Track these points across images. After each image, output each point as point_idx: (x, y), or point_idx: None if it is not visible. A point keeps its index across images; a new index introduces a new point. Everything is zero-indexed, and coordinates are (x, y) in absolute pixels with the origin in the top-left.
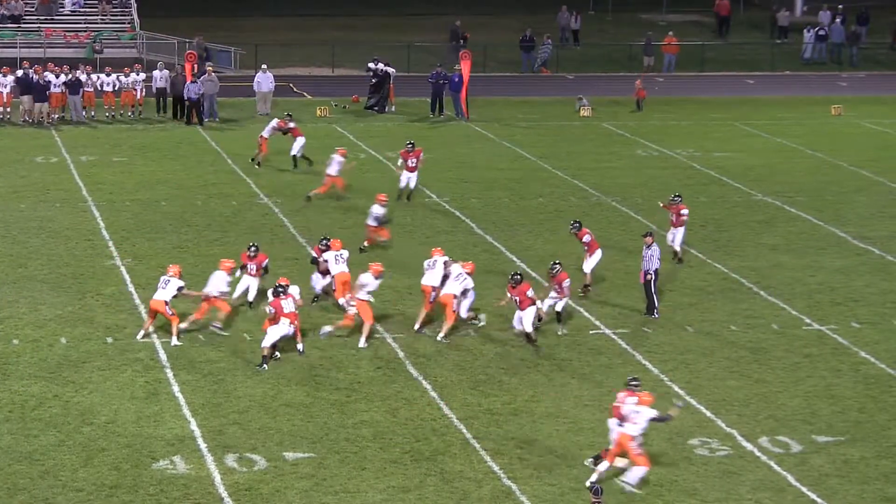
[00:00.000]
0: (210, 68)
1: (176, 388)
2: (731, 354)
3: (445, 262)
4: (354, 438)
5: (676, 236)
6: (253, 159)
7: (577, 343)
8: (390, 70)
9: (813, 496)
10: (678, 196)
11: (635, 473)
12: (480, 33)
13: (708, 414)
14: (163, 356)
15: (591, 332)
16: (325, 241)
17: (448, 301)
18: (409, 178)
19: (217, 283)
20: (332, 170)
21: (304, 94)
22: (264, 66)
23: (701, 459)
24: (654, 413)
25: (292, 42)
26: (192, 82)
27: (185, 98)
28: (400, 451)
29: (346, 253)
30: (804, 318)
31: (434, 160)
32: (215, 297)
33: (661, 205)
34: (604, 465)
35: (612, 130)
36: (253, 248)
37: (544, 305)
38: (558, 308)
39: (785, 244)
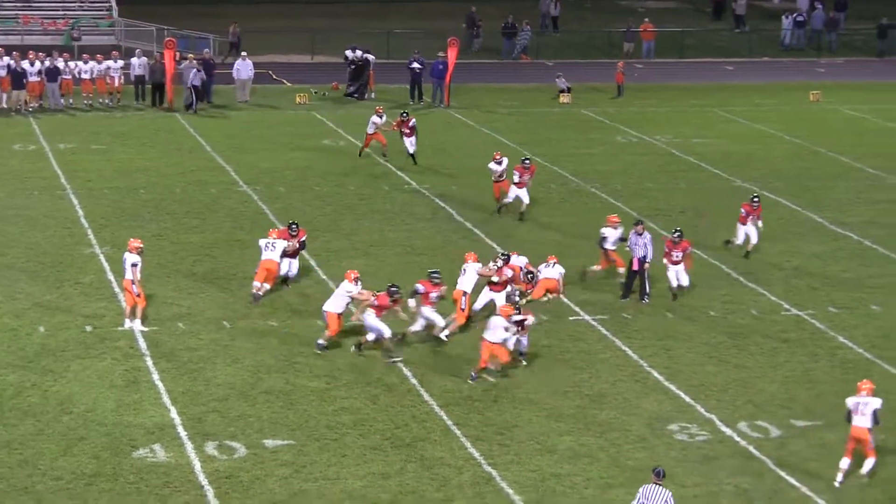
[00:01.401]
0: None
1: (156, 377)
2: (710, 340)
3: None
4: (334, 425)
5: (680, 275)
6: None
7: (556, 329)
8: (370, 57)
9: (791, 480)
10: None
11: None
12: (462, 20)
13: (687, 399)
14: (142, 344)
15: (570, 318)
16: (293, 225)
17: (457, 297)
18: (517, 194)
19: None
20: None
21: (284, 81)
22: (244, 54)
23: (680, 444)
24: None
25: (273, 29)
26: (195, 69)
27: (189, 85)
28: (380, 438)
29: (279, 243)
30: (782, 304)
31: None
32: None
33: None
34: None
35: (592, 117)
36: (294, 227)
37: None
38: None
39: (764, 230)
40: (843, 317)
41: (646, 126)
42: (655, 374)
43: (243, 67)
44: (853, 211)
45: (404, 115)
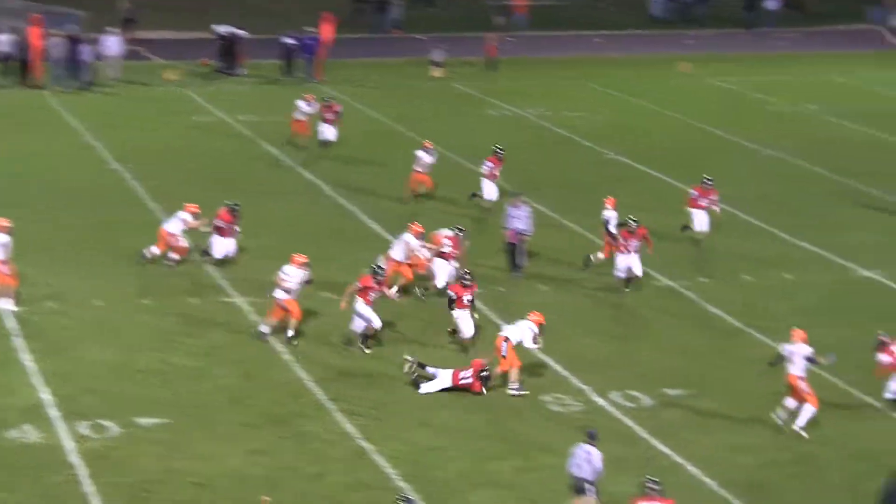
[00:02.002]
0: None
1: (26, 357)
2: (582, 313)
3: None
4: (209, 403)
5: (634, 264)
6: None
7: (432, 305)
8: (240, 33)
9: (664, 448)
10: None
11: None
12: None
13: (561, 370)
14: (13, 324)
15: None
16: (234, 205)
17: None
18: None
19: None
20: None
21: (153, 57)
22: (112, 30)
23: (555, 415)
24: None
25: (142, 4)
26: (85, 45)
27: (57, 62)
28: (255, 415)
29: (188, 216)
30: (656, 275)
31: (284, 124)
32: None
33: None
34: None
35: (464, 91)
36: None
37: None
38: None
39: (637, 202)
40: (715, 287)
41: (518, 99)
42: (527, 346)
43: (113, 44)
44: (725, 183)
45: (326, 101)
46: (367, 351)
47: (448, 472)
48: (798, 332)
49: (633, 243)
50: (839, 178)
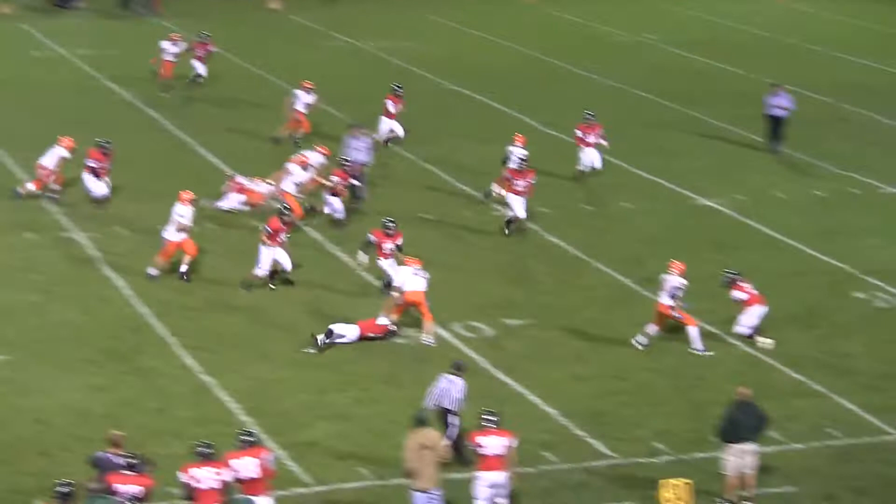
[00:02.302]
0: None
1: None
2: (426, 244)
3: None
4: (50, 339)
5: (519, 206)
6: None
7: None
8: None
9: (506, 379)
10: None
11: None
12: None
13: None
14: None
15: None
16: (105, 143)
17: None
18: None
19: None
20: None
21: None
22: None
23: (397, 347)
24: None
25: None
26: None
27: None
28: (96, 350)
29: (64, 151)
30: (495, 206)
31: (124, 58)
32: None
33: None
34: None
35: (303, 23)
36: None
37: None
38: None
39: (475, 133)
40: (554, 216)
41: (357, 31)
42: (369, 279)
43: None
44: (567, 114)
45: (203, 35)
46: (272, 287)
47: (289, 405)
48: (677, 265)
49: (520, 184)
50: (678, 106)
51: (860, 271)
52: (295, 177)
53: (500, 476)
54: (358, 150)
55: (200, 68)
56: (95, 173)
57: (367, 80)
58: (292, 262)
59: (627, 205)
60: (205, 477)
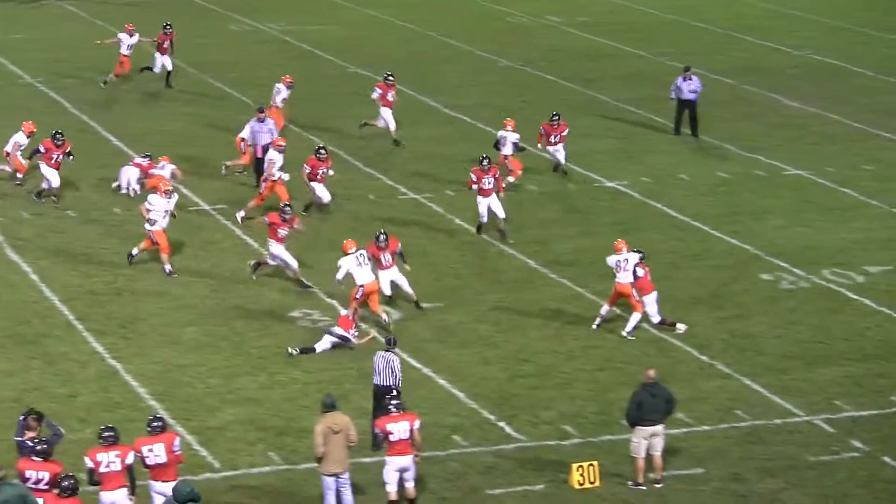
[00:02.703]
0: None
1: None
2: (331, 227)
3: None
4: None
5: (495, 205)
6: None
7: (180, 221)
8: None
9: (412, 361)
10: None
11: None
12: None
13: (313, 287)
14: None
15: (190, 208)
16: (57, 133)
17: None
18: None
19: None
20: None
21: None
22: None
23: (304, 331)
24: None
25: None
26: None
27: None
28: (3, 335)
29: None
30: (399, 188)
31: (26, 41)
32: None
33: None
34: None
35: (203, 5)
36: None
37: None
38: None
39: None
40: (460, 200)
41: (259, 14)
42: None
43: None
44: (465, 94)
45: (166, 27)
46: (254, 277)
47: (197, 390)
48: (621, 242)
49: (487, 181)
50: (580, 87)
51: (765, 253)
52: (276, 163)
53: (407, 460)
54: (261, 132)
55: (166, 61)
56: (49, 162)
57: (271, 63)
58: None
59: (532, 187)
60: (109, 461)
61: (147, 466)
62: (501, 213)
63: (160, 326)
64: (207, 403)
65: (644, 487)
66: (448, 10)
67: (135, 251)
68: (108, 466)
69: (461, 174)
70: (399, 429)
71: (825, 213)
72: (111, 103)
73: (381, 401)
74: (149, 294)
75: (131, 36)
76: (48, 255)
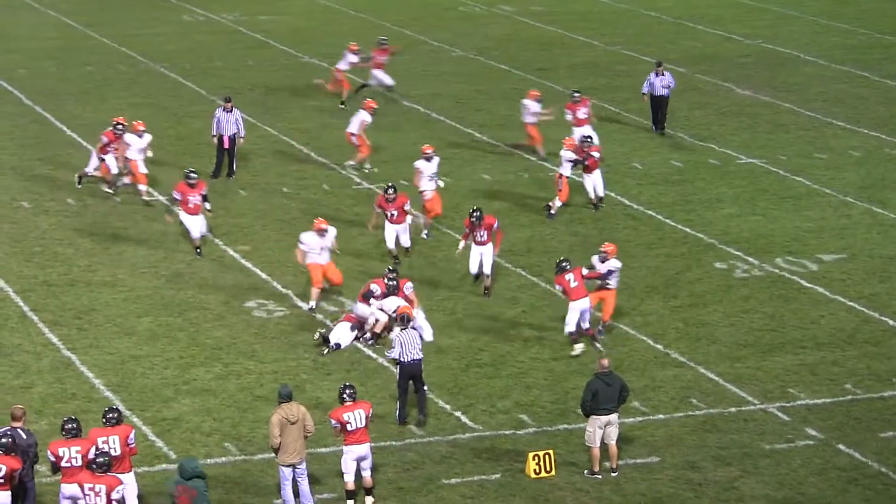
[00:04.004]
0: None
1: None
2: (284, 216)
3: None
4: None
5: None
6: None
7: (131, 212)
8: None
9: (367, 351)
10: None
11: None
12: None
13: (264, 276)
14: None
15: (147, 199)
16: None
17: None
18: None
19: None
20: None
21: None
22: None
23: (258, 321)
24: None
25: None
26: None
27: None
28: None
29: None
30: (354, 178)
31: None
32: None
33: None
34: None
35: None
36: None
37: None
38: None
39: (333, 105)
40: (414, 190)
41: (212, 4)
42: (231, 253)
43: None
44: (420, 84)
45: (382, 42)
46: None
47: (152, 380)
48: (611, 246)
49: (481, 235)
50: (533, 77)
51: (719, 241)
52: (424, 172)
53: (365, 448)
54: (227, 122)
55: (385, 78)
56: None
57: (225, 53)
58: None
59: (486, 177)
60: (70, 456)
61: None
62: (487, 269)
63: (115, 317)
64: (163, 394)
65: (600, 476)
66: (401, 0)
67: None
68: (69, 462)
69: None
70: (355, 417)
71: (778, 201)
72: (59, 94)
73: (411, 379)
74: (103, 285)
75: (355, 54)
76: (2, 245)
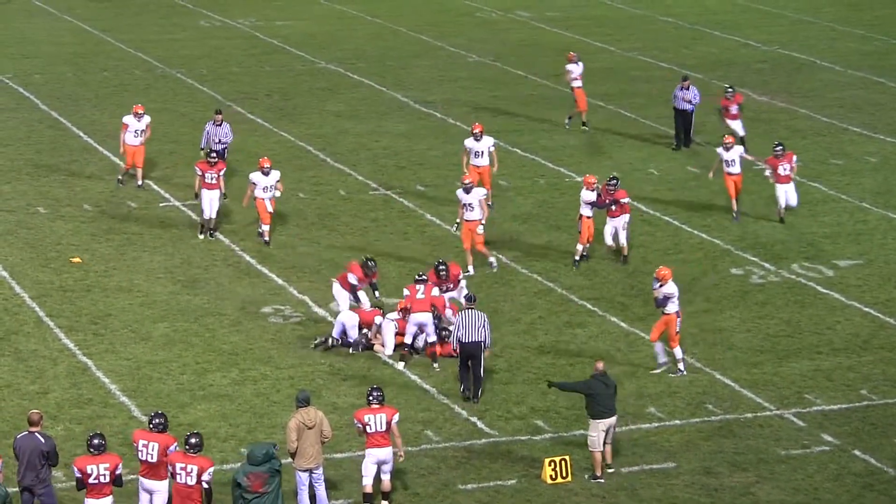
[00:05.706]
0: None
1: None
2: (301, 221)
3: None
4: None
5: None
6: None
7: (147, 216)
8: None
9: (385, 358)
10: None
11: None
12: None
13: (280, 281)
14: None
15: (161, 204)
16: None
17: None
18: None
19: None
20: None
21: None
22: None
23: (274, 327)
24: None
25: None
26: None
27: None
28: None
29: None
30: (370, 183)
31: None
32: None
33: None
34: None
35: (174, 1)
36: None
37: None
38: None
39: (349, 110)
40: (431, 194)
41: (229, 9)
42: (248, 258)
43: None
44: (435, 89)
45: (728, 91)
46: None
47: (168, 386)
48: (665, 271)
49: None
50: (549, 83)
51: (735, 247)
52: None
53: (386, 452)
54: (219, 133)
55: (738, 127)
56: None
57: (241, 59)
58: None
59: (502, 182)
60: (98, 473)
61: (139, 461)
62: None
63: (131, 323)
64: (179, 400)
65: (603, 480)
66: (417, 5)
67: None
68: (96, 479)
69: (433, 170)
70: (376, 420)
71: (794, 207)
72: (77, 100)
73: (468, 360)
74: (119, 290)
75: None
76: (18, 251)
